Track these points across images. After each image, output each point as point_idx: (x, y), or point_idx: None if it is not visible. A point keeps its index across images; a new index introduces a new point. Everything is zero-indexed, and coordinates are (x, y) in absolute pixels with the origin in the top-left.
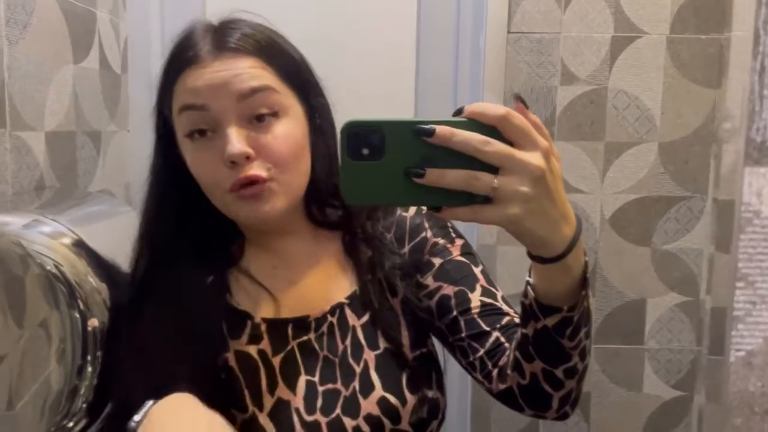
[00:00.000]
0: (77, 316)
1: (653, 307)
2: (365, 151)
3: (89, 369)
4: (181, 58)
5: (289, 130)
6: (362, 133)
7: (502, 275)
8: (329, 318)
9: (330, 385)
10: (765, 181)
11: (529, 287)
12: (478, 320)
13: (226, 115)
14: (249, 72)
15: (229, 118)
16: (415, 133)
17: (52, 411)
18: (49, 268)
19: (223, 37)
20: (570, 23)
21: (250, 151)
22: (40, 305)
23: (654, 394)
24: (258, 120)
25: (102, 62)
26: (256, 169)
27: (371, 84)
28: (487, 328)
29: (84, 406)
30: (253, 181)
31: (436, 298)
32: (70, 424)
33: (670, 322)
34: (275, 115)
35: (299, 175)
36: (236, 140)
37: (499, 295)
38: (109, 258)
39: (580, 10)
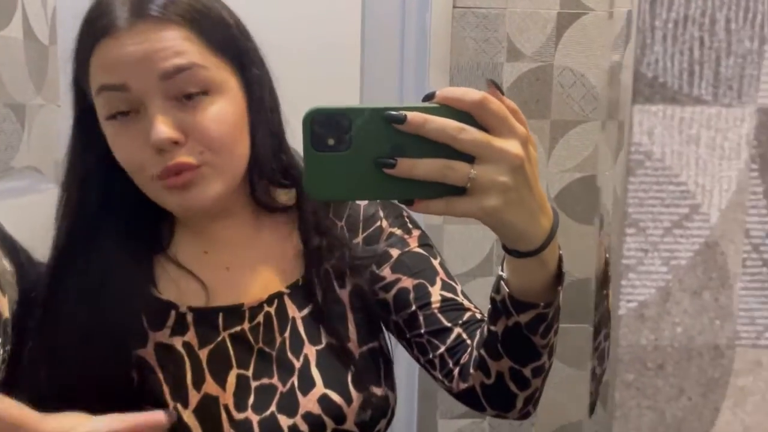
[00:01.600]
0: None
1: None
2: (330, 142)
3: (1, 352)
4: (95, 27)
5: (222, 109)
6: (327, 122)
7: (449, 255)
8: (266, 307)
9: (265, 380)
10: (657, 120)
11: (502, 282)
12: (439, 315)
13: (149, 95)
14: (172, 46)
15: (153, 99)
16: (385, 120)
17: None
18: None
19: (145, 1)
20: None
21: (177, 135)
22: None
23: None
24: (187, 98)
25: (26, 32)
26: (186, 155)
27: (316, 62)
28: (449, 324)
29: None
30: (182, 169)
31: (394, 291)
32: None
33: None
34: (206, 92)
35: (236, 158)
36: (161, 124)
37: (458, 288)
38: (16, 239)
39: None
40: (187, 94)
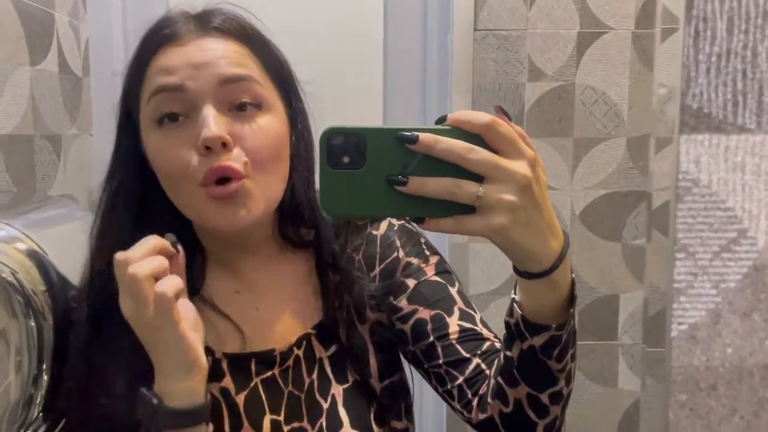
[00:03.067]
0: (33, 325)
1: (625, 302)
2: (345, 159)
3: (45, 378)
4: (157, 37)
5: (271, 124)
6: (342, 141)
7: (475, 274)
8: (295, 351)
9: (296, 424)
10: (702, 149)
11: (515, 305)
12: (457, 346)
13: (205, 98)
14: (234, 57)
15: (207, 102)
16: (398, 140)
17: (10, 421)
18: (5, 276)
19: (207, 17)
20: (536, 20)
21: (227, 137)
22: None
23: (629, 390)
24: (239, 108)
25: (61, 65)
26: (233, 161)
27: (339, 83)
28: (467, 355)
29: (40, 414)
30: (227, 176)
31: (411, 322)
32: None
33: (643, 317)
34: (258, 106)
35: (278, 179)
36: (214, 123)
37: (477, 317)
38: (54, 265)
39: (545, 6)
40: (240, 103)
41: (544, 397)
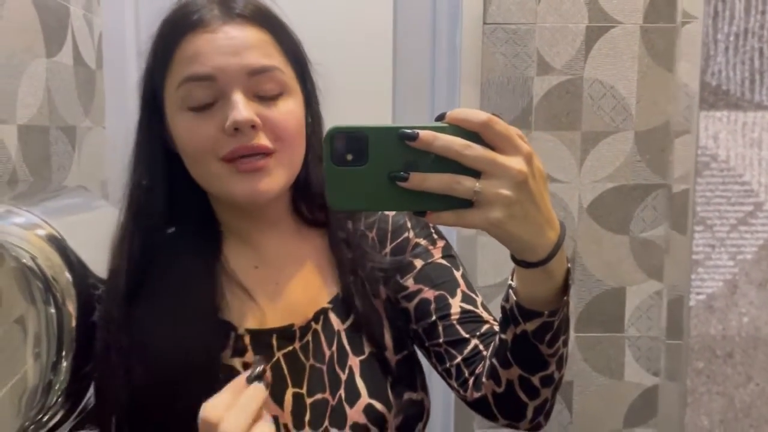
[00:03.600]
0: (53, 311)
1: (632, 295)
2: (349, 157)
3: (64, 364)
4: (182, 23)
5: (294, 108)
6: (346, 139)
7: (483, 266)
8: (313, 325)
9: (319, 395)
10: (721, 125)
11: (510, 291)
12: (458, 327)
13: (234, 87)
14: (260, 47)
15: (237, 89)
16: (399, 138)
17: (28, 406)
18: (24, 260)
19: (229, 2)
20: (545, 14)
21: (257, 119)
22: (16, 300)
23: (635, 382)
24: (263, 96)
25: (76, 57)
26: (262, 140)
27: (349, 78)
28: (466, 335)
29: (59, 400)
30: (256, 152)
31: (415, 301)
32: (45, 419)
33: (649, 310)
34: (281, 93)
35: (298, 157)
36: (243, 108)
37: (478, 301)
38: (77, 254)
39: (554, 0)
40: (265, 92)
41: (535, 380)
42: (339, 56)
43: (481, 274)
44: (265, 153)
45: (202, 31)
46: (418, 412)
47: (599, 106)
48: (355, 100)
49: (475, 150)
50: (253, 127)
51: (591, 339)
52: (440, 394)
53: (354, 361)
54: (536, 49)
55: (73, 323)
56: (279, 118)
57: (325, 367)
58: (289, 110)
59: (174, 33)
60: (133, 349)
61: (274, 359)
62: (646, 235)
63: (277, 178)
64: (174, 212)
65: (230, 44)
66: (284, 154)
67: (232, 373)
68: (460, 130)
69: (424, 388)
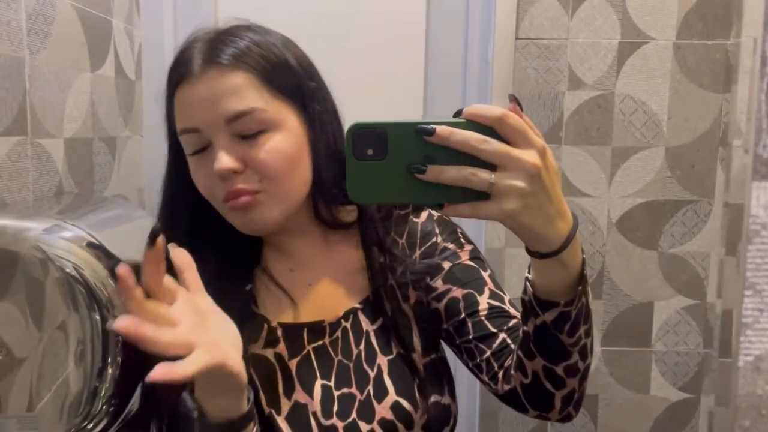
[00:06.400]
0: (97, 317)
1: (660, 310)
2: (369, 152)
3: (109, 371)
4: (176, 73)
5: (279, 144)
6: (366, 135)
7: (510, 278)
8: (343, 323)
9: (345, 389)
10: None
11: (528, 283)
12: (486, 322)
13: (216, 134)
14: (236, 93)
15: (219, 137)
16: (417, 132)
17: (72, 412)
18: (68, 270)
19: (215, 50)
20: (577, 29)
21: (236, 165)
22: (59, 308)
23: (661, 396)
24: (246, 136)
25: (117, 69)
26: (243, 183)
27: (380, 91)
28: (494, 330)
29: (104, 407)
30: (240, 194)
31: (445, 300)
32: (90, 426)
33: (677, 325)
34: (265, 130)
35: (294, 185)
36: (223, 157)
37: (506, 298)
38: (130, 259)
39: (587, 16)
40: (248, 133)
41: (559, 370)
42: (371, 68)
43: (509, 287)
44: (248, 193)
45: (186, 83)
46: (445, 416)
47: (630, 122)
48: (387, 114)
49: (491, 144)
50: (236, 171)
51: (617, 353)
52: (465, 402)
53: (383, 360)
54: (568, 63)
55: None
56: (262, 157)
57: (352, 364)
58: (273, 147)
59: (170, 84)
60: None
61: (305, 351)
62: (675, 251)
63: (269, 210)
64: (206, 225)
65: (208, 94)
66: (273, 190)
67: (265, 363)
68: (476, 125)
69: (452, 395)
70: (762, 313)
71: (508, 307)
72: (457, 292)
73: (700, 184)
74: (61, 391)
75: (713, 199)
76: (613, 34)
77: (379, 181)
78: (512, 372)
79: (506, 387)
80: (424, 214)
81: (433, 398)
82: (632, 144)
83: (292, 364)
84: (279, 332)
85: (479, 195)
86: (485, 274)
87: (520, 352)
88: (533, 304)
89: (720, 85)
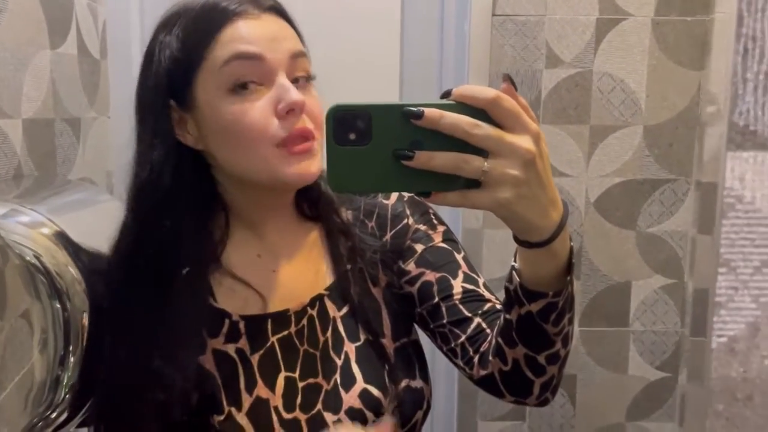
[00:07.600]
0: (58, 306)
1: (638, 290)
2: (352, 136)
3: (71, 359)
4: (224, 10)
5: (316, 95)
6: (348, 118)
7: (488, 259)
8: (309, 311)
9: (311, 380)
10: (748, 166)
11: (514, 272)
12: (460, 306)
13: (280, 68)
14: (294, 36)
15: (283, 72)
16: (404, 116)
17: (36, 402)
18: (28, 258)
19: (264, 1)
20: (554, 5)
21: (305, 101)
22: (20, 296)
23: (638, 376)
24: (296, 80)
25: (80, 48)
26: (307, 123)
27: (356, 69)
28: (469, 314)
29: (67, 396)
30: (306, 135)
31: (418, 284)
32: (53, 415)
33: (654, 305)
34: (309, 79)
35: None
36: (294, 89)
37: (480, 281)
38: (91, 247)
39: None
40: (301, 76)
41: (541, 358)
42: (346, 47)
43: (487, 267)
44: (312, 137)
45: (245, 17)
46: (417, 399)
47: (608, 100)
48: (362, 93)
49: (483, 129)
50: (302, 110)
51: (596, 333)
52: (443, 385)
53: (350, 347)
54: (545, 41)
55: (85, 319)
56: (314, 102)
57: (318, 353)
58: (316, 96)
59: (211, 22)
60: (118, 336)
61: (268, 344)
62: (652, 230)
63: (318, 161)
64: (179, 203)
65: (274, 30)
66: (320, 140)
67: (226, 359)
68: (467, 107)
69: (425, 378)
70: (736, 291)
71: (482, 290)
72: (431, 276)
73: (677, 163)
74: (26, 382)
75: (691, 177)
76: (591, 10)
77: (363, 168)
78: (490, 358)
79: (482, 372)
80: (393, 195)
81: (404, 383)
82: (610, 123)
83: (255, 358)
84: (241, 326)
85: (469, 183)
86: (459, 257)
87: (500, 340)
88: (519, 293)
89: (698, 63)
